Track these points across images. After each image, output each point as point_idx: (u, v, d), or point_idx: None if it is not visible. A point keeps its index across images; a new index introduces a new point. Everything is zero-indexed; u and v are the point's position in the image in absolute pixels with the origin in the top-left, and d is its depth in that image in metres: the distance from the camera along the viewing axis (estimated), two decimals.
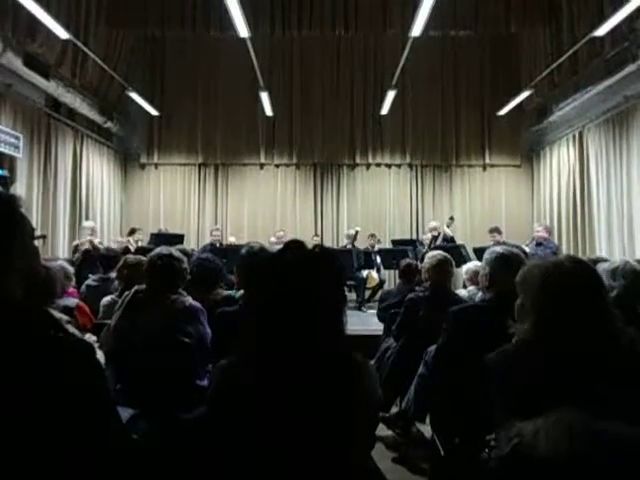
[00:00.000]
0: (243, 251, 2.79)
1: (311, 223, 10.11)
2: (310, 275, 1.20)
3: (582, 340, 1.31)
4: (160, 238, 7.31)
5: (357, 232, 8.43)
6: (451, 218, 8.12)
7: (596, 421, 0.72)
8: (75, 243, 6.76)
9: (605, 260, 3.30)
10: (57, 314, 2.73)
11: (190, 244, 8.93)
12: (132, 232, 7.51)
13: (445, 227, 7.92)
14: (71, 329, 2.65)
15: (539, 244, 6.79)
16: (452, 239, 7.77)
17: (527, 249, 5.99)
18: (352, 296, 7.81)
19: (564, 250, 8.35)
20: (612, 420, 0.74)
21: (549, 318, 1.36)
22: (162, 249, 2.67)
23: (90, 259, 5.85)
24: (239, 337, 1.24)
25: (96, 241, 6.68)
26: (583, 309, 1.34)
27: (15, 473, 0.78)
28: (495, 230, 7.63)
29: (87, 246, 6.39)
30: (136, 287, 2.64)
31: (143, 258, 3.25)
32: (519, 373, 1.37)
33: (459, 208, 9.94)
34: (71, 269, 3.73)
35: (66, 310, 2.95)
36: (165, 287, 2.55)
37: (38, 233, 1.04)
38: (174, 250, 2.68)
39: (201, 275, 3.11)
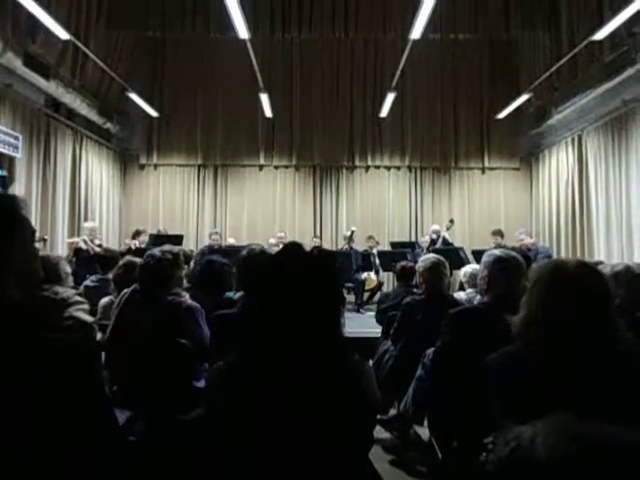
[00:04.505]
0: (244, 252, 2.79)
1: (310, 225, 10.10)
2: (307, 277, 1.20)
3: (584, 342, 1.31)
4: (159, 239, 7.29)
5: (353, 232, 8.42)
6: (451, 221, 8.13)
7: (595, 425, 0.72)
8: (68, 241, 6.72)
9: (601, 262, 3.29)
10: (68, 292, 2.71)
11: (189, 245, 8.92)
12: (137, 234, 7.48)
13: (444, 230, 7.92)
14: (79, 312, 2.64)
15: (528, 250, 6.71)
16: (450, 243, 7.77)
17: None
18: (351, 298, 7.81)
19: (562, 253, 8.35)
20: (611, 424, 0.74)
21: (552, 318, 1.36)
22: (155, 250, 2.67)
23: (88, 259, 5.83)
24: (239, 339, 1.24)
25: (96, 242, 6.67)
26: (587, 311, 1.35)
27: (12, 476, 0.78)
28: (497, 233, 7.61)
29: (81, 244, 6.37)
30: (133, 287, 2.64)
31: (137, 259, 3.24)
32: (518, 375, 1.37)
33: (458, 211, 9.94)
34: (68, 268, 3.71)
35: None
36: (157, 287, 2.54)
37: (38, 235, 1.04)
38: (167, 251, 2.67)
39: (209, 276, 3.09)
